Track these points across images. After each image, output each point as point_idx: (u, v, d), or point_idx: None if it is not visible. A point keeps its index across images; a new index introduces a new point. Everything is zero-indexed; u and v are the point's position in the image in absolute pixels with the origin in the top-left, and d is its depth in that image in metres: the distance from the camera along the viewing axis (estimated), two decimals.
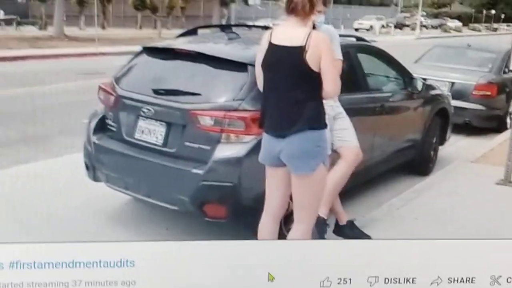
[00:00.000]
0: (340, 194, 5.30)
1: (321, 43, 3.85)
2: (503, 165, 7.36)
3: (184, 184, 4.88)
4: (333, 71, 3.92)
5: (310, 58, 3.81)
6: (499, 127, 10.90)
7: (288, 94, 3.94)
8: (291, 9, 3.95)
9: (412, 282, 2.62)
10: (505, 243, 2.21)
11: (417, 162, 7.76)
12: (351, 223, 5.47)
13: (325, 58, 3.84)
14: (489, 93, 10.79)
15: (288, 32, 3.96)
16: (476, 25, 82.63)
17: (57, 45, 26.62)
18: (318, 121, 3.98)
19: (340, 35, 5.25)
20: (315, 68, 3.83)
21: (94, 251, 2.47)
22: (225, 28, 6.44)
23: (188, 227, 5.56)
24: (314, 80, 3.87)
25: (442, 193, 6.88)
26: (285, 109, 3.96)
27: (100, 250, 2.49)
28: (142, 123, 5.28)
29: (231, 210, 4.87)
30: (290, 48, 3.88)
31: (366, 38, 7.45)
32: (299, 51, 3.83)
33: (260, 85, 4.18)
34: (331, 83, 3.89)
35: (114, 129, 5.56)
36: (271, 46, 3.99)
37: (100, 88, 5.80)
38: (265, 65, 4.06)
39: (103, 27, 44.83)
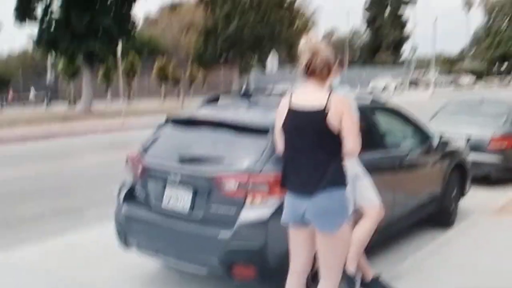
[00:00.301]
0: (364, 250, 5.39)
1: (341, 105, 3.97)
2: None
3: (212, 248, 4.99)
4: (354, 131, 4.02)
5: (332, 120, 3.93)
6: None
7: (311, 155, 4.05)
8: (310, 73, 4.07)
9: None
10: None
11: (438, 215, 7.84)
12: (377, 279, 5.55)
13: (346, 119, 3.96)
14: (505, 145, 10.89)
15: (307, 95, 4.09)
16: (488, 79, 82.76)
17: (86, 121, 27.12)
18: (341, 180, 4.07)
19: (356, 97, 5.39)
20: (336, 129, 3.95)
21: None
22: (245, 94, 6.62)
23: None
24: (335, 140, 3.99)
25: (465, 245, 6.92)
26: (310, 169, 4.06)
27: None
28: (169, 191, 5.44)
29: (259, 272, 4.94)
30: (312, 112, 4.00)
31: (382, 97, 7.59)
32: (321, 114, 3.95)
33: (279, 148, 4.32)
34: (352, 142, 4.00)
35: (142, 197, 5.75)
36: (292, 110, 4.12)
37: (128, 158, 6.02)
38: (286, 128, 4.17)
39: (128, 100, 45.83)
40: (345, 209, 4.11)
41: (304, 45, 4.07)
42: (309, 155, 4.07)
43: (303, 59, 4.07)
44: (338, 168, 4.06)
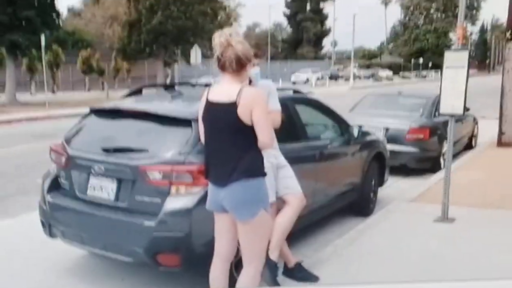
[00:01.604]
0: (287, 237, 5.49)
1: (252, 98, 4.03)
2: (439, 203, 7.66)
3: (137, 236, 5.02)
4: (265, 124, 4.08)
5: (242, 113, 4.00)
6: (434, 168, 11.42)
7: (225, 146, 4.15)
8: (221, 66, 4.14)
9: None
10: (449, 285, 2.38)
11: (358, 204, 8.09)
12: (299, 265, 5.69)
13: (256, 112, 4.02)
14: (421, 136, 11.33)
15: (222, 88, 4.17)
16: (406, 73, 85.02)
17: (9, 111, 26.62)
18: (255, 170, 4.15)
19: (278, 89, 5.50)
20: (247, 122, 4.02)
21: None
22: (169, 87, 6.67)
23: (143, 277, 5.72)
24: (248, 132, 4.06)
25: (383, 232, 7.15)
26: (224, 160, 4.16)
27: None
28: (93, 180, 5.44)
29: (184, 259, 5.01)
30: (223, 104, 4.08)
31: (303, 90, 7.74)
32: (231, 107, 4.01)
33: (202, 139, 4.40)
34: (264, 135, 4.07)
35: (66, 187, 5.72)
36: (207, 102, 4.21)
37: (51, 149, 5.97)
38: (203, 120, 4.29)
39: (53, 92, 45.07)
40: (260, 198, 4.20)
41: (217, 38, 4.11)
42: (224, 147, 4.16)
43: (216, 53, 4.13)
44: (252, 159, 4.13)
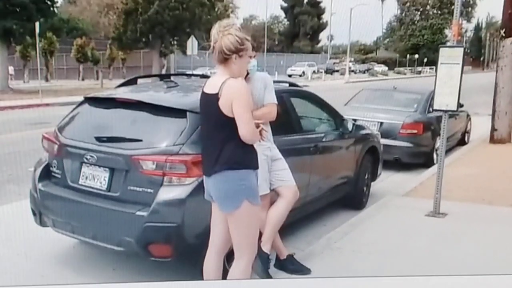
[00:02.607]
0: (279, 230, 5.50)
1: (232, 90, 4.04)
2: (431, 198, 7.71)
3: (129, 226, 5.00)
4: (245, 117, 4.06)
5: (222, 105, 4.03)
6: (427, 163, 11.46)
7: (211, 137, 4.20)
8: (213, 58, 4.20)
9: None
10: (440, 279, 2.38)
11: (351, 197, 8.09)
12: (291, 257, 5.69)
13: (236, 104, 4.03)
14: (415, 131, 11.39)
15: (213, 80, 4.22)
16: (401, 68, 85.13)
17: (2, 98, 26.55)
18: (238, 162, 4.15)
19: (274, 81, 5.51)
20: (228, 114, 4.04)
21: None
22: (164, 77, 6.64)
23: (135, 267, 5.71)
24: (230, 124, 4.06)
25: (376, 226, 7.19)
26: (209, 150, 4.22)
27: None
28: (86, 170, 5.41)
29: (176, 250, 5.01)
30: (209, 95, 4.14)
31: (299, 83, 7.75)
32: (214, 98, 4.06)
33: None
34: (243, 128, 4.06)
35: (58, 176, 5.68)
36: (201, 94, 4.28)
37: (43, 137, 5.94)
38: (200, 111, 4.37)
39: (46, 80, 44.96)
40: (241, 190, 4.17)
41: (213, 30, 4.14)
42: (210, 137, 4.22)
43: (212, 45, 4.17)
44: (233, 151, 4.13)
